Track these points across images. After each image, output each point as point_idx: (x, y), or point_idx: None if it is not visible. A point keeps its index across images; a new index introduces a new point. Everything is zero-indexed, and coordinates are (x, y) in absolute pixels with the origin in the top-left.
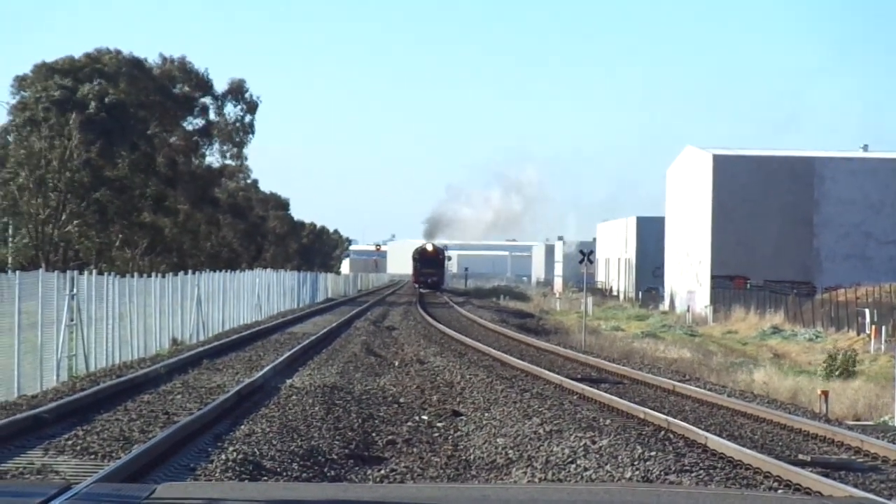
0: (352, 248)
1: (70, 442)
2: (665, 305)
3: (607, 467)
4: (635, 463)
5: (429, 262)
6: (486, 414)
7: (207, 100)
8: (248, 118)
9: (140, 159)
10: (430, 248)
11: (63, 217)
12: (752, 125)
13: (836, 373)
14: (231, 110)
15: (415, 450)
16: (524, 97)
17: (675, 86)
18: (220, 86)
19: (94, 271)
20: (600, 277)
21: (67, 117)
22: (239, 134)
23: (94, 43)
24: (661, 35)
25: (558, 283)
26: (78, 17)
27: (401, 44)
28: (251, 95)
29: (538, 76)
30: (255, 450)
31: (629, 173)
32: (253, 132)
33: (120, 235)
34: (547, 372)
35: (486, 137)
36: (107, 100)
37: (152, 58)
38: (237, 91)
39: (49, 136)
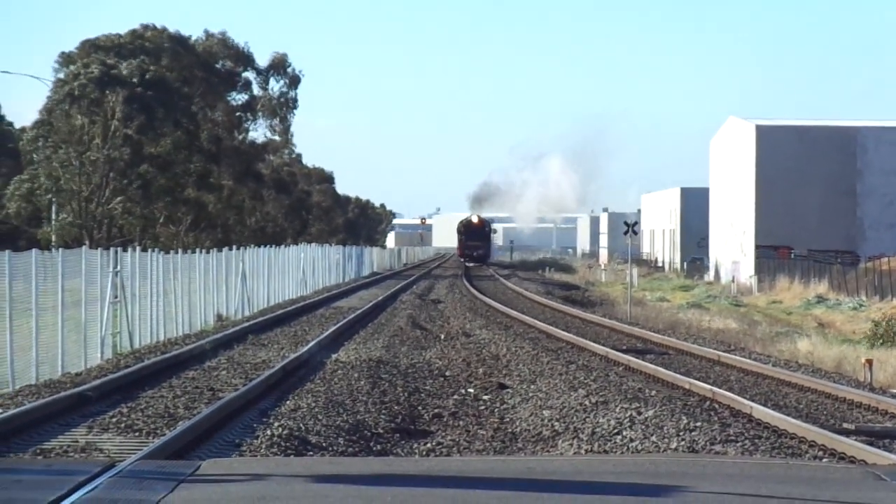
0: (397, 221)
1: (114, 419)
2: (710, 276)
3: (653, 438)
4: (681, 433)
5: (474, 235)
6: (532, 386)
7: (250, 74)
8: (291, 93)
9: (183, 135)
10: (475, 219)
11: (106, 194)
12: (800, 96)
13: (880, 340)
14: (274, 85)
15: (461, 423)
16: (572, 70)
17: (727, 57)
18: (262, 60)
19: (138, 248)
20: (645, 249)
21: (107, 94)
22: (282, 108)
23: (139, 19)
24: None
25: (603, 255)
26: None
27: (442, 18)
28: (293, 70)
29: (589, 47)
30: (301, 425)
31: (677, 143)
32: (296, 106)
33: (164, 212)
34: (592, 343)
35: (531, 112)
36: (147, 76)
37: (196, 34)
38: (280, 65)
39: (89, 112)
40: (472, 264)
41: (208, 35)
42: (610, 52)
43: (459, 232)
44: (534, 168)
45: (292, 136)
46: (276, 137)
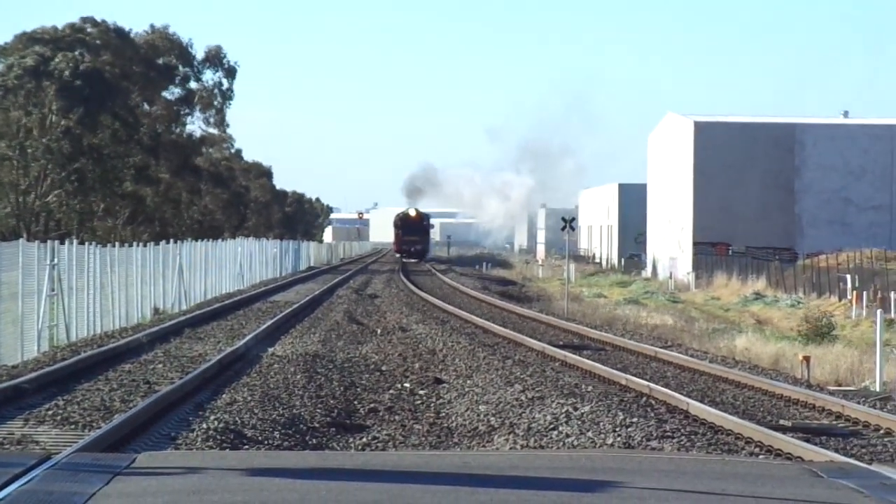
0: (334, 216)
1: (50, 412)
2: (647, 272)
3: (589, 434)
4: (617, 429)
5: (412, 229)
6: (469, 381)
7: (189, 69)
8: (226, 84)
9: (121, 128)
10: (413, 213)
11: (44, 187)
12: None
13: (812, 336)
14: (210, 77)
15: (397, 417)
16: (519, 71)
17: (663, 51)
18: (198, 53)
19: (76, 241)
20: (583, 245)
21: (43, 85)
22: (218, 99)
23: (78, 13)
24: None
25: (541, 251)
26: None
27: (380, 9)
28: (229, 61)
29: (525, 37)
30: (237, 418)
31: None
32: (231, 98)
33: (101, 205)
34: (529, 339)
35: (476, 106)
36: (81, 67)
37: (137, 28)
38: (215, 57)
39: (24, 104)
40: (409, 260)
41: (153, 29)
42: (547, 44)
43: (396, 226)
44: (530, 159)
45: (227, 125)
46: (214, 131)
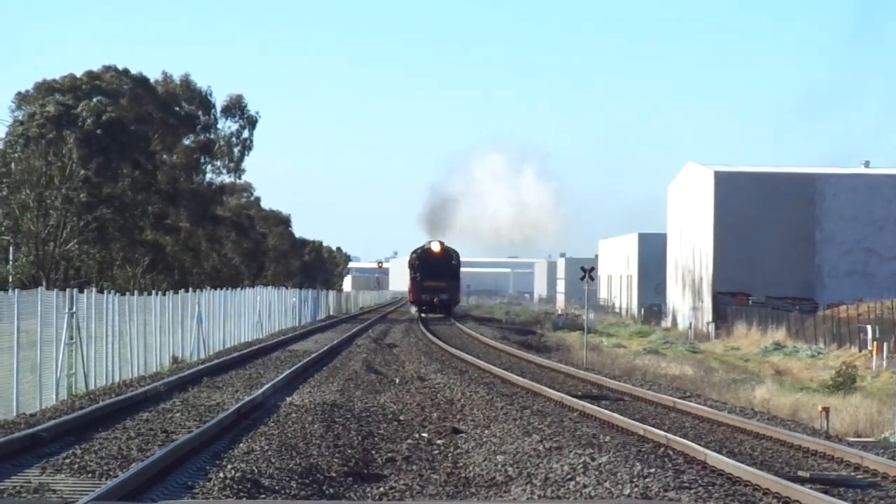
0: (353, 265)
1: (68, 460)
2: (667, 322)
3: (606, 484)
4: (634, 480)
5: (435, 271)
6: (486, 431)
7: (209, 117)
8: (246, 133)
9: (141, 177)
10: (436, 247)
11: (63, 235)
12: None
13: (839, 388)
14: (230, 126)
15: (414, 467)
16: (532, 106)
17: (678, 99)
18: (219, 101)
19: (95, 289)
20: (603, 294)
21: (64, 134)
22: (238, 149)
23: (98, 62)
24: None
25: (560, 300)
26: (83, 35)
27: (399, 56)
28: (250, 111)
29: (544, 86)
30: (254, 468)
31: (632, 188)
32: (251, 147)
33: (121, 253)
34: (547, 389)
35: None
36: (104, 117)
37: (155, 76)
38: (236, 106)
39: (45, 152)
40: (430, 315)
41: (167, 78)
42: (568, 94)
43: (412, 267)
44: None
45: (243, 171)
46: (233, 179)
